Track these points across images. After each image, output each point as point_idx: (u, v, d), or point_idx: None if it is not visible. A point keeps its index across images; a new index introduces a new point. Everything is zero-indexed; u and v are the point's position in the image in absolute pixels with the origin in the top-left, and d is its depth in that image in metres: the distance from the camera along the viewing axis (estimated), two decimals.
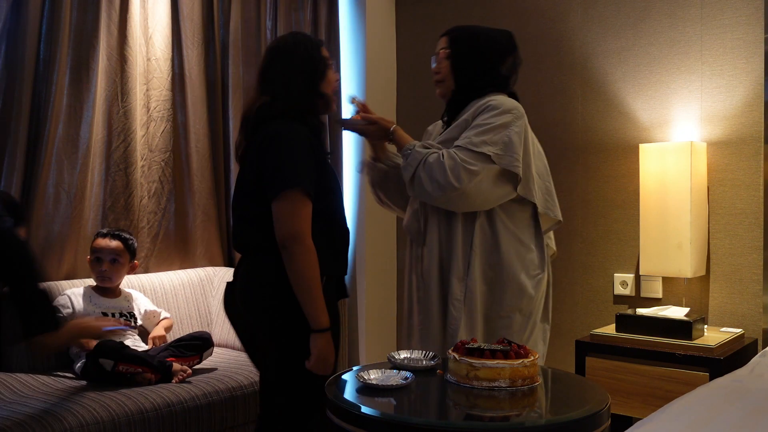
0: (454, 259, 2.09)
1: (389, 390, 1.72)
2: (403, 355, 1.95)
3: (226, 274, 3.05)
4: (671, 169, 2.66)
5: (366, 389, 1.73)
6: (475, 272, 2.08)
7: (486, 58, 2.14)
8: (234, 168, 3.21)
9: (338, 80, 2.16)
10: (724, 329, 2.67)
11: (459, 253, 2.09)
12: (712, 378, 2.31)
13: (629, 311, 2.71)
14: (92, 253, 2.58)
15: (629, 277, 2.98)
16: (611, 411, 1.67)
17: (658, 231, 2.68)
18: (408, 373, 1.79)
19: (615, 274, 3.03)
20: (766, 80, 2.66)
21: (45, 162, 2.57)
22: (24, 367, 2.42)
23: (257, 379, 2.17)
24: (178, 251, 3.10)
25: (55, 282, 2.58)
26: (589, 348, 2.65)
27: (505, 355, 1.71)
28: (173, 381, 2.35)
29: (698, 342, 2.47)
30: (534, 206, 2.13)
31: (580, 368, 2.65)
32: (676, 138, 2.85)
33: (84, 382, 2.31)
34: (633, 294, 2.98)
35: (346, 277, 2.14)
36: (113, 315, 2.55)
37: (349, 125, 2.23)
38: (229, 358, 2.72)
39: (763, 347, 2.62)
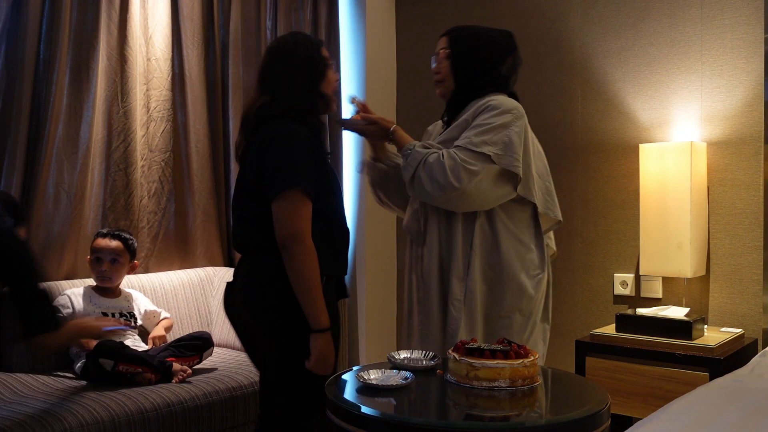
0: (454, 259, 2.09)
1: (389, 390, 1.72)
2: (403, 355, 1.95)
3: (226, 274, 3.05)
4: (671, 169, 2.66)
5: (366, 389, 1.73)
6: (475, 272, 2.08)
7: (486, 58, 2.14)
8: (234, 168, 3.21)
9: (338, 80, 2.16)
10: (724, 329, 2.67)
11: (459, 253, 2.09)
12: (712, 378, 2.31)
13: (629, 311, 2.71)
14: (92, 253, 2.59)
15: (629, 277, 2.98)
16: (611, 411, 1.67)
17: (658, 231, 2.68)
18: (408, 373, 1.79)
19: (615, 274, 3.03)
20: (766, 80, 2.66)
21: (45, 162, 2.57)
22: (24, 367, 2.42)
23: (257, 379, 2.17)
24: (178, 251, 3.10)
25: (55, 282, 2.58)
26: (589, 348, 2.65)
27: (505, 355, 1.71)
28: (173, 381, 2.35)
29: (698, 342, 2.47)
30: (534, 206, 2.13)
31: (580, 368, 2.65)
32: (676, 138, 2.85)
33: (84, 382, 2.31)
34: (633, 294, 2.98)
35: (346, 277, 2.14)
36: (113, 315, 2.55)
37: (349, 125, 2.23)
38: (229, 358, 2.72)
39: (763, 347, 2.62)
